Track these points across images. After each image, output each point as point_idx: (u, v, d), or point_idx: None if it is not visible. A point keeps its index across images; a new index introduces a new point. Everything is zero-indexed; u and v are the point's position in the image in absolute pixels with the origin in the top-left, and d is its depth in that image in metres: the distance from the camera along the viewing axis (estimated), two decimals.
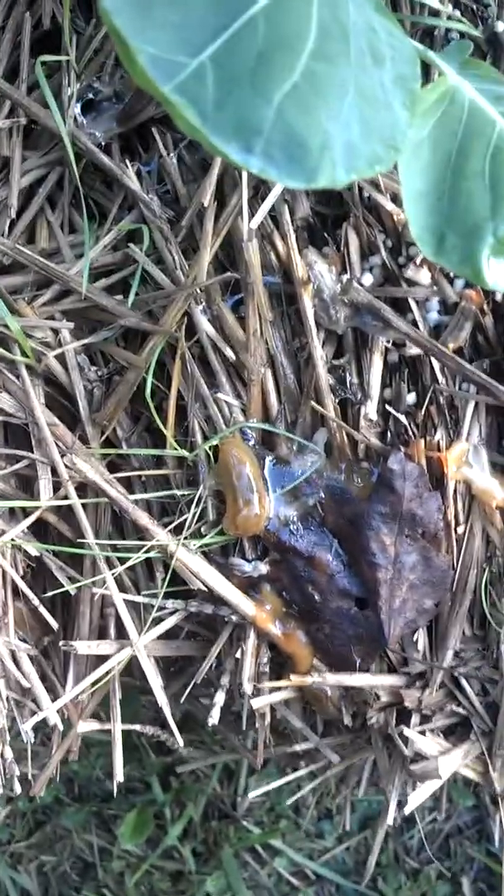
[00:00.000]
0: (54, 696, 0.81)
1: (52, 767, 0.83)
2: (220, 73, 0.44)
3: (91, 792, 1.53)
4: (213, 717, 0.79)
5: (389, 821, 0.77)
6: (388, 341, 0.74)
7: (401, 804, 0.76)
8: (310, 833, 1.57)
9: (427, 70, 0.64)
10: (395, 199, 0.74)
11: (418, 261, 0.72)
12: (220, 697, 0.79)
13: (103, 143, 0.78)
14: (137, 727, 0.84)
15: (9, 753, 0.78)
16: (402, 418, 0.73)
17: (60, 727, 0.78)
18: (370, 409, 0.73)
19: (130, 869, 1.46)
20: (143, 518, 0.74)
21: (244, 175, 0.71)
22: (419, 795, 0.75)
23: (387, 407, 0.74)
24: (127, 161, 0.77)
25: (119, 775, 0.79)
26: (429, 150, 0.55)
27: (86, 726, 0.80)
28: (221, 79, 0.44)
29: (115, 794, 1.46)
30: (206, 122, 0.43)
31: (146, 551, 0.74)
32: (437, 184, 0.54)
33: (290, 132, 0.44)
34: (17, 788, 0.79)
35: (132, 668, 0.80)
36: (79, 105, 0.77)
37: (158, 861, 1.47)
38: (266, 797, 1.50)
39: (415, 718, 0.76)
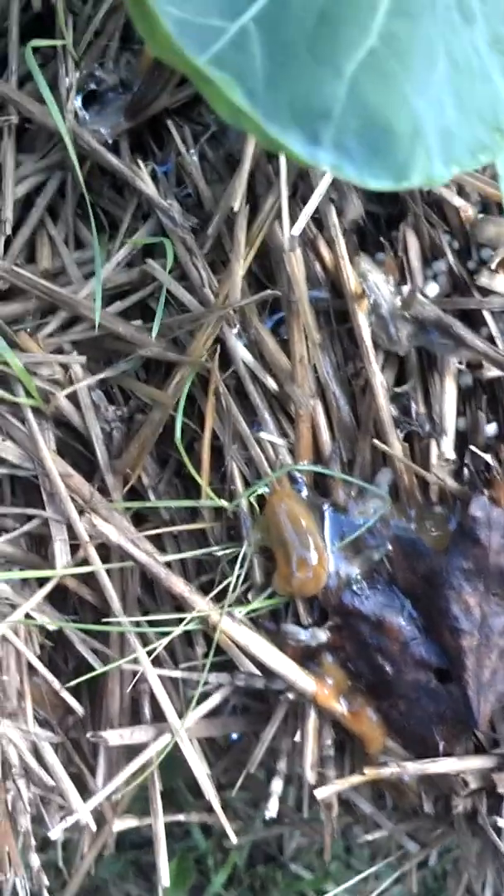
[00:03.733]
0: (83, 784, 0.70)
1: (83, 870, 0.72)
2: (270, 38, 0.32)
3: (128, 839, 1.43)
4: (271, 810, 0.67)
5: None
6: (460, 362, 0.62)
7: None
8: (366, 877, 1.47)
9: None
10: (462, 191, 0.62)
11: (493, 265, 0.60)
12: (277, 786, 0.68)
13: (110, 141, 0.66)
14: (181, 817, 0.73)
15: (35, 861, 0.67)
16: (483, 454, 0.61)
17: (93, 827, 0.67)
18: (444, 445, 0.61)
19: None
20: (179, 585, 0.63)
21: (283, 171, 0.59)
22: None
23: (463, 441, 0.62)
24: (139, 161, 0.65)
25: (165, 878, 0.68)
26: None
27: (122, 824, 0.69)
28: (272, 46, 0.32)
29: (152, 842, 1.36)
30: (255, 104, 0.31)
31: (185, 623, 0.63)
32: None
33: (370, 114, 0.32)
34: None
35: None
36: (79, 98, 0.66)
37: None
38: (314, 839, 1.41)
39: None
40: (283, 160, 0.58)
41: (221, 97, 0.30)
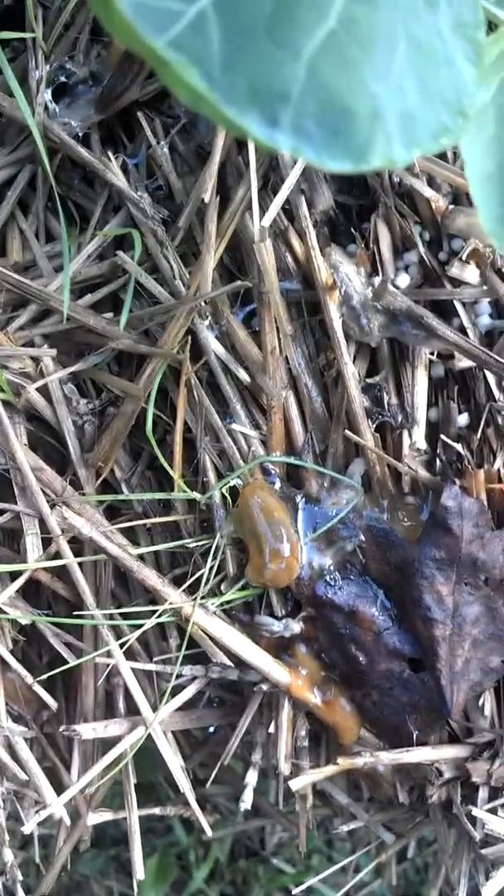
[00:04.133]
0: (58, 781, 0.69)
1: (59, 864, 0.71)
2: (228, 21, 0.32)
3: (108, 835, 1.43)
4: (246, 802, 0.67)
5: None
6: (431, 353, 0.62)
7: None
8: (346, 868, 1.47)
9: None
10: (432, 182, 0.62)
11: (464, 255, 0.60)
12: (252, 777, 0.68)
13: (80, 134, 0.66)
14: (157, 811, 0.73)
15: (9, 856, 0.67)
16: (454, 444, 0.61)
17: (68, 821, 0.67)
18: (415, 435, 0.61)
19: None
20: (152, 577, 0.62)
21: (252, 163, 0.59)
22: (495, 885, 0.63)
23: (435, 431, 0.62)
24: (110, 153, 0.65)
25: (139, 872, 0.68)
26: (494, 121, 0.43)
27: (96, 818, 0.69)
28: (230, 29, 0.32)
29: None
30: (213, 86, 0.31)
31: (157, 615, 0.63)
32: None
33: (329, 97, 0.32)
34: None
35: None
36: (49, 90, 0.65)
37: None
38: (308, 824, 1.41)
39: (483, 793, 0.65)
40: (252, 151, 0.58)
41: (180, 80, 0.30)
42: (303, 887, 0.78)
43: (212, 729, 0.82)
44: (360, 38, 0.33)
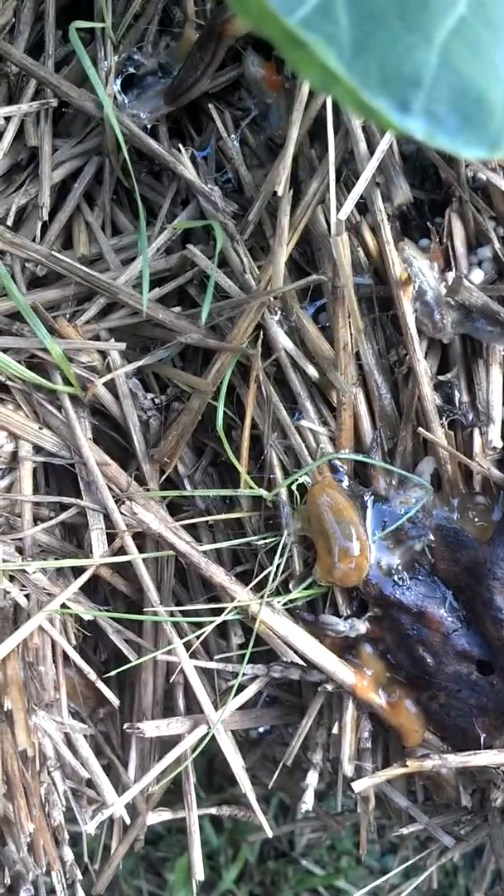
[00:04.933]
0: (113, 775, 0.69)
1: (115, 863, 0.71)
2: (356, 4, 0.31)
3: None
4: (307, 803, 0.66)
5: None
6: None
7: None
8: (374, 870, 1.47)
9: None
10: None
11: None
12: (313, 778, 0.67)
13: (149, 126, 0.65)
14: (213, 811, 0.72)
15: (68, 855, 0.66)
16: None
17: (128, 820, 0.66)
18: (490, 433, 0.60)
19: None
20: (219, 574, 0.62)
21: (331, 153, 0.58)
22: None
23: None
24: (179, 146, 0.64)
25: (199, 873, 0.67)
26: None
27: (156, 817, 0.68)
28: (358, 13, 0.31)
29: (163, 837, 1.35)
30: (345, 69, 0.30)
31: (226, 613, 0.62)
32: None
33: (462, 83, 0.31)
34: (81, 895, 0.67)
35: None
36: (118, 81, 0.64)
37: None
38: (325, 833, 1.41)
39: None
40: (331, 142, 0.57)
41: (312, 62, 0.30)
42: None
43: (261, 730, 0.81)
44: (490, 22, 0.33)
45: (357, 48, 0.31)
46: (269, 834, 0.68)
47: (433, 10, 0.32)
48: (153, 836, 1.40)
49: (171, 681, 0.68)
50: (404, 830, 0.70)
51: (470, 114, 0.31)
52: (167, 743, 0.67)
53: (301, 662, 0.62)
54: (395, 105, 0.31)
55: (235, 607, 0.62)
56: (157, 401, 0.65)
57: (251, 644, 0.63)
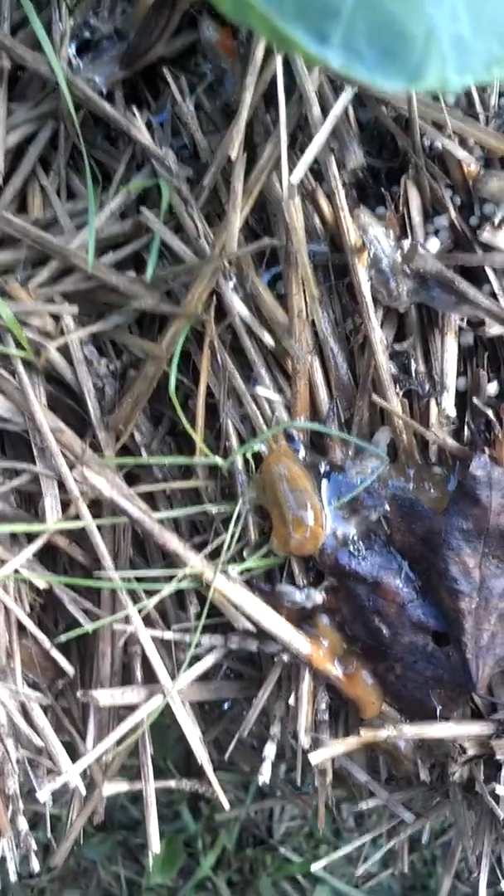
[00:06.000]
0: (73, 750, 0.68)
1: (73, 835, 0.70)
2: None
3: (116, 820, 1.42)
4: (264, 775, 0.66)
5: (483, 894, 0.64)
6: (461, 319, 0.61)
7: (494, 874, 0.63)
8: (352, 857, 1.47)
9: None
10: (465, 143, 0.60)
11: (496, 220, 0.59)
12: (270, 750, 0.66)
13: (104, 91, 0.64)
14: (172, 783, 0.71)
15: (23, 824, 0.66)
16: (486, 410, 0.60)
17: (83, 791, 0.65)
18: (445, 402, 0.60)
19: None
20: (173, 542, 0.61)
21: (282, 117, 0.57)
22: None
23: (463, 400, 0.61)
24: (134, 110, 0.63)
25: (155, 845, 0.66)
26: None
27: (112, 788, 0.67)
28: None
29: (141, 822, 1.34)
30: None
31: (179, 580, 0.61)
32: None
33: (381, 17, 0.31)
34: (36, 866, 0.66)
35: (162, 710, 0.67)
36: (73, 45, 0.64)
37: (191, 893, 1.38)
38: (303, 821, 1.40)
39: None
40: (282, 106, 0.57)
41: None
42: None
43: (226, 706, 0.80)
44: None
45: None
46: (227, 807, 0.67)
47: None
48: (131, 822, 1.40)
49: (128, 652, 0.67)
50: (363, 805, 0.69)
51: (390, 46, 0.31)
52: (125, 716, 0.66)
53: (252, 629, 0.61)
54: (313, 35, 0.30)
55: (188, 575, 0.61)
56: (111, 367, 0.64)
57: (204, 613, 0.62)
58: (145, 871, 1.38)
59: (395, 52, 0.30)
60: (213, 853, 1.36)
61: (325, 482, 0.62)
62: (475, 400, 0.60)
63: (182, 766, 1.21)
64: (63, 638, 0.63)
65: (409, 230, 0.61)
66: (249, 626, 0.61)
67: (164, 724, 0.82)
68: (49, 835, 0.79)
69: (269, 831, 1.40)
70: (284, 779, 0.93)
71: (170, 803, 1.36)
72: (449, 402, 0.60)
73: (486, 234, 0.59)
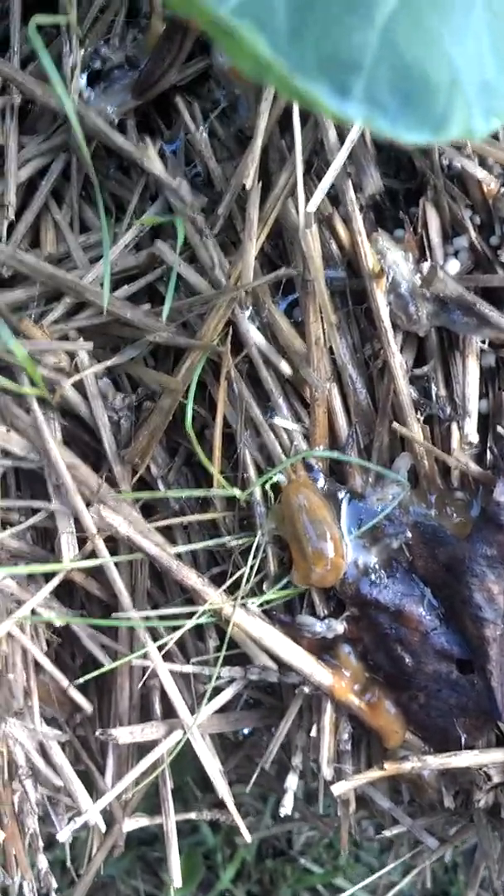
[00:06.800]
0: (92, 786, 0.68)
1: (93, 871, 0.69)
2: None
3: (135, 836, 1.42)
4: (286, 807, 0.65)
5: None
6: (483, 342, 0.60)
7: None
8: (373, 867, 1.46)
9: None
10: (484, 163, 0.59)
11: None
12: (292, 781, 0.66)
13: (116, 121, 0.64)
14: (193, 815, 0.71)
15: (43, 863, 0.65)
16: None
17: (103, 828, 0.65)
18: (468, 427, 0.59)
19: None
20: (191, 577, 0.61)
21: (297, 144, 0.57)
22: None
23: (485, 424, 0.60)
24: (147, 140, 0.63)
25: (177, 879, 0.66)
26: None
27: (132, 823, 0.67)
28: None
29: (159, 837, 1.33)
30: (279, 55, 0.29)
31: (198, 616, 0.61)
32: None
33: (404, 64, 0.30)
34: None
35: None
36: (84, 76, 0.63)
37: None
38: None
39: None
40: (297, 133, 0.56)
41: (244, 50, 0.28)
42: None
43: (245, 731, 0.80)
44: (435, 1, 0.31)
45: (294, 33, 0.30)
46: (248, 839, 0.66)
47: None
48: (149, 836, 1.39)
49: (146, 685, 0.67)
50: (387, 833, 0.68)
51: (412, 95, 0.30)
52: (145, 747, 0.66)
53: (272, 665, 0.60)
54: (335, 89, 0.30)
55: (208, 610, 0.61)
56: (127, 401, 0.63)
57: (224, 647, 0.61)
58: (164, 885, 1.38)
59: (418, 101, 0.30)
60: (233, 866, 1.36)
61: (345, 510, 0.61)
62: (495, 426, 0.59)
63: (200, 782, 1.20)
64: (82, 680, 0.62)
65: (428, 252, 0.60)
66: (269, 661, 0.60)
67: (184, 748, 0.81)
68: (69, 863, 0.79)
69: (288, 843, 1.39)
70: (304, 800, 0.93)
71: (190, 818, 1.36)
72: (471, 427, 0.59)
73: None
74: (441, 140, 0.30)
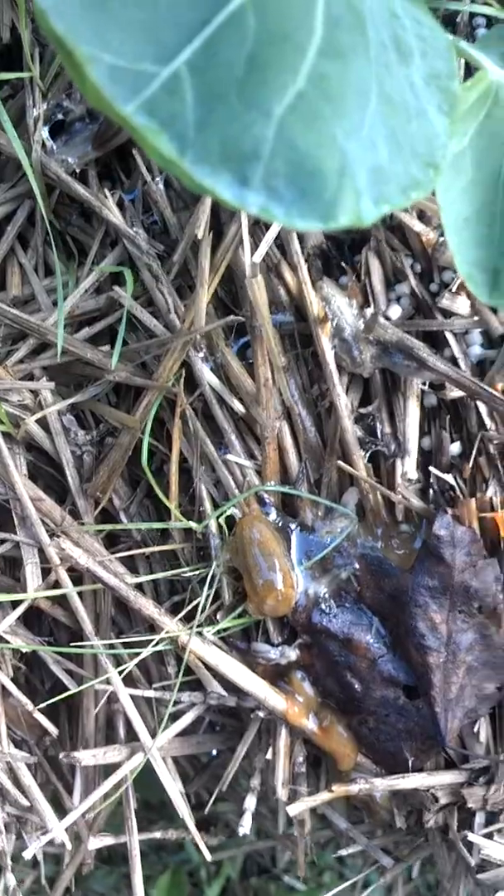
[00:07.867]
0: (60, 807, 0.70)
1: (62, 888, 0.72)
2: (201, 82, 0.33)
3: (120, 852, 1.43)
4: (245, 826, 0.68)
5: None
6: (423, 383, 0.63)
7: None
8: (356, 885, 1.48)
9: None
10: (423, 216, 0.62)
11: (454, 287, 0.61)
12: (250, 802, 0.68)
13: (78, 171, 0.67)
14: (157, 835, 0.73)
15: (11, 881, 0.68)
16: (444, 476, 0.62)
17: (69, 846, 0.67)
18: (408, 464, 0.62)
19: None
20: (148, 607, 0.63)
21: None
22: None
23: (427, 460, 0.63)
24: (106, 190, 0.66)
25: (140, 894, 0.68)
26: (472, 165, 0.44)
27: (97, 842, 0.69)
28: (202, 91, 0.33)
29: (146, 854, 1.35)
30: (185, 149, 0.32)
31: (154, 644, 0.64)
32: (486, 206, 0.43)
33: (298, 155, 0.33)
34: None
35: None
36: (47, 128, 0.66)
37: None
38: (306, 849, 1.41)
39: (479, 819, 0.65)
40: None
41: (150, 144, 0.31)
42: None
43: (214, 752, 0.82)
44: (330, 95, 0.34)
45: (201, 125, 0.33)
46: (208, 858, 0.69)
47: (272, 86, 0.34)
48: None
49: (112, 708, 0.70)
50: (343, 852, 0.71)
51: (305, 185, 0.33)
52: (111, 768, 0.68)
53: (223, 692, 0.63)
54: (235, 179, 0.33)
55: (165, 639, 0.63)
56: (90, 436, 0.66)
57: (181, 673, 0.64)
58: None
59: (309, 189, 0.33)
60: (218, 883, 1.37)
61: (295, 543, 0.64)
62: (435, 463, 0.62)
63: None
64: (44, 704, 0.65)
65: (371, 299, 0.63)
66: (220, 689, 0.63)
67: (150, 767, 0.84)
68: (43, 880, 0.81)
69: (272, 861, 1.41)
70: (272, 819, 0.95)
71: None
72: (411, 466, 0.62)
73: (445, 301, 0.61)
74: (330, 226, 0.33)
